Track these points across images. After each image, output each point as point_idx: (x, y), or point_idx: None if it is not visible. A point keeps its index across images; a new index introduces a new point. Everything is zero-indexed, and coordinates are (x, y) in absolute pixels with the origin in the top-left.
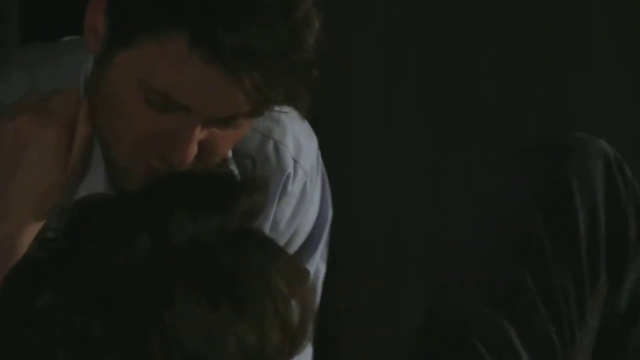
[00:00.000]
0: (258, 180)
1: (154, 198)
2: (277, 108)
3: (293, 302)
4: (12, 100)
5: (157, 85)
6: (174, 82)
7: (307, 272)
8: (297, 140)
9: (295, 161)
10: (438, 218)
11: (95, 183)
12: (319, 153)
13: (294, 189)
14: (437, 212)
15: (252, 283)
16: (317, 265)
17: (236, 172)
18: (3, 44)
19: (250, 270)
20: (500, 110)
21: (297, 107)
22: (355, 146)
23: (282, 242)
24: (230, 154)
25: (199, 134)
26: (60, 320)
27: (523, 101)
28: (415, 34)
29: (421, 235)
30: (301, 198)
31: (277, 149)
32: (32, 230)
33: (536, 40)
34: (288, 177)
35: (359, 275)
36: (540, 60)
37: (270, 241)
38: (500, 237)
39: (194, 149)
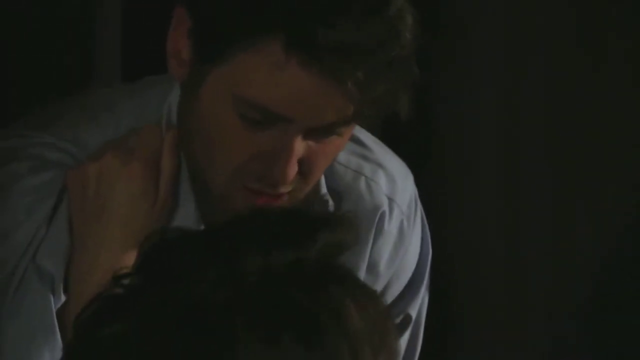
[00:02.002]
0: (344, 215)
1: (227, 233)
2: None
3: (374, 341)
4: (99, 140)
5: (253, 98)
6: (272, 92)
7: (390, 314)
8: (390, 178)
9: (390, 199)
10: (552, 255)
11: (186, 217)
12: (416, 190)
13: (391, 227)
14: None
15: (322, 318)
16: (420, 306)
17: (332, 207)
18: (101, 81)
19: (321, 305)
20: None
21: (398, 107)
22: (470, 180)
23: (381, 284)
24: (324, 189)
25: (299, 149)
26: (120, 349)
27: None
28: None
29: (542, 286)
30: (399, 238)
31: (369, 186)
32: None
33: None
34: (383, 215)
35: (473, 322)
36: None
37: (351, 277)
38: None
39: (294, 166)
